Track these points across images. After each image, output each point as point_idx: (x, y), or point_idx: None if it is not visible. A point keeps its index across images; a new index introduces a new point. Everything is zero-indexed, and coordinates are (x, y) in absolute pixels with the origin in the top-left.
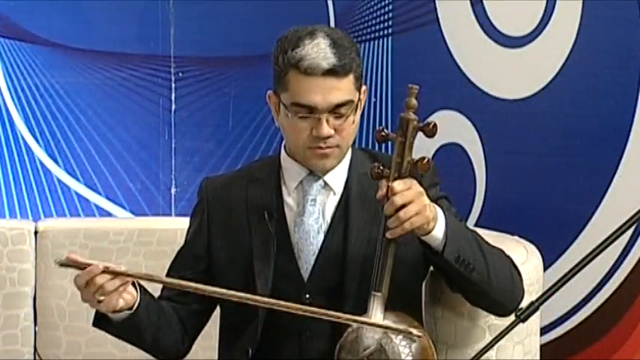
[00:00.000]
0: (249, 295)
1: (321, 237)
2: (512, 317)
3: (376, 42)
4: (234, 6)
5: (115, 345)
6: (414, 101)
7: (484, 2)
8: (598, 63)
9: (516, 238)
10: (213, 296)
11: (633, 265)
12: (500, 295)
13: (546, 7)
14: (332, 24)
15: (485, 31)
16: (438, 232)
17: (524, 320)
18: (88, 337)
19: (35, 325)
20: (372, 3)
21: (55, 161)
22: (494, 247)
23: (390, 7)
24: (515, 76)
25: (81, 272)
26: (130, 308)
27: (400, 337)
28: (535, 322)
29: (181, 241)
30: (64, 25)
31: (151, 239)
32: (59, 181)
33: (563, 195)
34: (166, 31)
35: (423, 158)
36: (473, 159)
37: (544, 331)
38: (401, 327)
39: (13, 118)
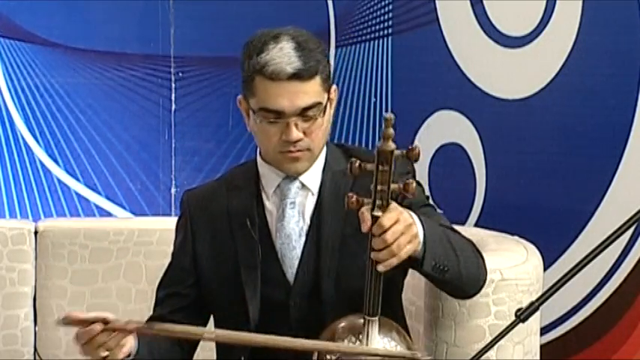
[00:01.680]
0: (243, 335)
1: (303, 239)
2: (512, 317)
3: (376, 42)
4: (234, 6)
5: None
6: (390, 130)
7: (484, 2)
8: (598, 63)
9: (516, 238)
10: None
11: (633, 265)
12: (469, 284)
13: (546, 7)
14: (332, 24)
15: (485, 31)
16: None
17: (524, 320)
18: None
19: (35, 325)
20: (372, 3)
21: (55, 161)
22: (460, 236)
23: (390, 7)
24: (515, 76)
25: (81, 331)
26: (129, 355)
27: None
28: (535, 322)
29: None
30: (64, 25)
31: (151, 239)
32: (59, 181)
33: (563, 195)
34: (166, 31)
35: (408, 182)
36: (473, 159)
37: (544, 331)
38: (405, 352)
39: (13, 118)
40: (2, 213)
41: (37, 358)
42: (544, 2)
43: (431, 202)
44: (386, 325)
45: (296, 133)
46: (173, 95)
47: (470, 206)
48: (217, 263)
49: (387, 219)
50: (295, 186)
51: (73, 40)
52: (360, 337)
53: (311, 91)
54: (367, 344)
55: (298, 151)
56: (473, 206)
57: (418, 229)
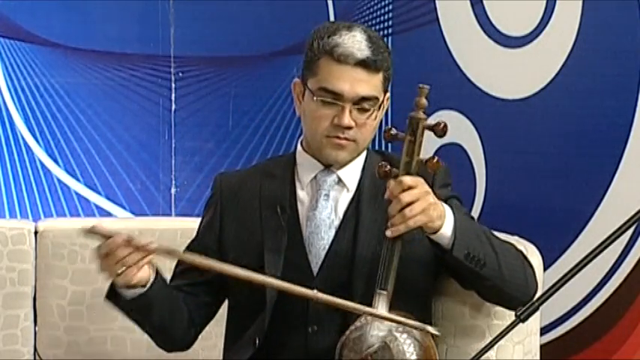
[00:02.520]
0: (267, 278)
1: (333, 232)
2: (512, 317)
3: None
4: (234, 6)
5: (115, 345)
6: (424, 100)
7: (484, 2)
8: (598, 63)
9: (516, 238)
10: (230, 277)
11: (633, 265)
12: (514, 289)
13: (546, 7)
14: None
15: (485, 31)
16: (447, 230)
17: (524, 320)
18: (88, 337)
19: (35, 325)
20: (372, 3)
21: (55, 161)
22: (505, 241)
23: (390, 7)
24: (515, 76)
25: (103, 242)
26: (144, 286)
27: (405, 335)
28: (535, 322)
29: (181, 241)
30: (64, 25)
31: (151, 239)
32: (59, 181)
33: (563, 195)
34: (166, 31)
35: (433, 157)
36: (473, 159)
37: (544, 331)
38: (416, 323)
39: (13, 118)
40: (2, 213)
41: (37, 358)
42: (544, 2)
43: (464, 209)
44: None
45: (348, 119)
46: (173, 95)
47: (470, 206)
48: (242, 246)
49: (407, 179)
50: (332, 179)
51: (73, 40)
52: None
53: (373, 84)
54: (372, 319)
55: (345, 139)
56: (473, 206)
57: (447, 214)
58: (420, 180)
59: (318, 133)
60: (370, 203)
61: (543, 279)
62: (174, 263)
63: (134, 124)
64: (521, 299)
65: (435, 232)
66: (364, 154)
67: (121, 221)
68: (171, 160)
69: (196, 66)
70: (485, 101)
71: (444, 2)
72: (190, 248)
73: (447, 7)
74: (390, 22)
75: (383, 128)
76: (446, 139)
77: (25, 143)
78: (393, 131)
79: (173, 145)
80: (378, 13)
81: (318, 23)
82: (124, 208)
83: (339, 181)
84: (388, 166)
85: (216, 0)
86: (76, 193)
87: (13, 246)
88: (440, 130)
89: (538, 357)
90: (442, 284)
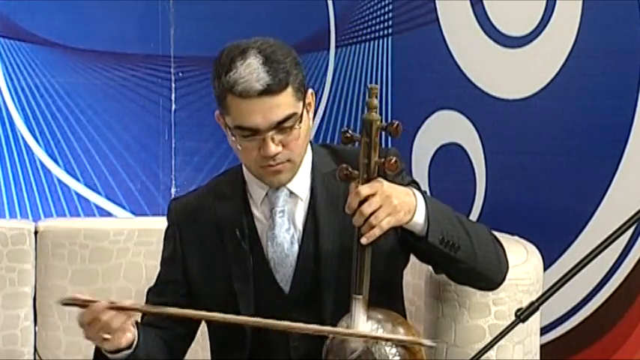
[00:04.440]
0: (244, 318)
1: (296, 247)
2: (512, 317)
3: (376, 42)
4: (234, 6)
5: None
6: (375, 101)
7: (484, 2)
8: (598, 63)
9: (516, 238)
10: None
11: (633, 265)
12: (487, 268)
13: (546, 7)
14: (332, 24)
15: (485, 31)
16: (419, 217)
17: (524, 320)
18: None
19: (35, 325)
20: (372, 3)
21: (55, 161)
22: (475, 223)
23: (390, 7)
24: (515, 76)
25: (85, 310)
26: (130, 346)
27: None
28: (535, 322)
29: None
30: (64, 25)
31: (151, 239)
32: (59, 181)
33: (563, 195)
34: (166, 31)
35: (390, 158)
36: (473, 159)
37: (544, 331)
38: (409, 338)
39: (13, 118)
40: (2, 213)
41: (37, 358)
42: (544, 2)
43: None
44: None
45: (273, 148)
46: (173, 95)
47: (470, 206)
48: (209, 275)
49: (363, 188)
50: (283, 194)
51: (73, 40)
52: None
53: (284, 104)
54: (353, 323)
55: (278, 164)
56: (473, 206)
57: (418, 203)
58: (378, 184)
59: (251, 165)
60: (326, 207)
61: (543, 279)
62: None
63: (134, 124)
64: (494, 279)
65: (407, 222)
66: (309, 154)
67: (121, 221)
68: (171, 160)
69: (196, 66)
70: (485, 101)
71: (444, 2)
72: (158, 281)
73: (447, 7)
74: (390, 22)
75: (338, 128)
76: (446, 139)
77: (25, 143)
78: (349, 133)
79: (173, 145)
80: (378, 13)
81: (318, 23)
82: (124, 208)
83: (291, 193)
84: (348, 169)
85: (216, 0)
86: (76, 193)
87: (13, 246)
88: (394, 130)
89: (538, 357)
90: (442, 283)
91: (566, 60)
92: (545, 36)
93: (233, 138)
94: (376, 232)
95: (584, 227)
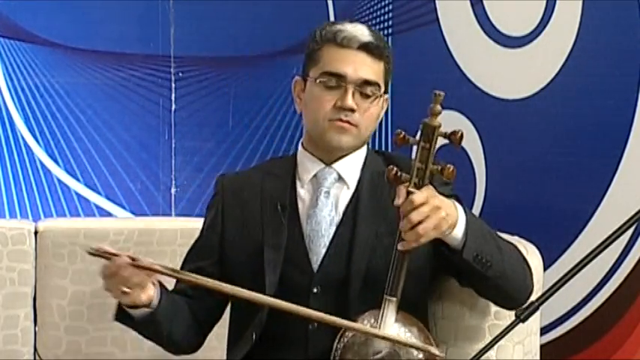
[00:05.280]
0: (263, 297)
1: (333, 229)
2: (512, 317)
3: None
4: (234, 6)
5: (115, 345)
6: (438, 107)
7: (484, 2)
8: (598, 63)
9: (516, 238)
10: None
11: (633, 265)
12: (514, 289)
13: (546, 7)
14: None
15: (485, 31)
16: (458, 232)
17: (524, 320)
18: (88, 337)
19: (35, 325)
20: (372, 3)
21: (55, 161)
22: (507, 241)
23: (390, 7)
24: (515, 76)
25: (108, 263)
26: (149, 304)
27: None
28: (535, 322)
29: (181, 241)
30: (64, 25)
31: (151, 239)
32: (59, 181)
33: (563, 195)
34: (166, 31)
35: (449, 167)
36: (473, 159)
37: (544, 331)
38: (418, 344)
39: (13, 118)
40: (2, 213)
41: (37, 358)
42: (544, 2)
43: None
44: (407, 319)
45: (351, 101)
46: (173, 95)
47: (470, 206)
48: (243, 245)
49: (417, 196)
50: (332, 176)
51: (73, 40)
52: (377, 317)
53: (375, 70)
54: (382, 323)
55: (348, 122)
56: (473, 206)
57: (459, 217)
58: (430, 193)
59: (320, 117)
60: (369, 200)
61: (543, 279)
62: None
63: (134, 124)
64: (518, 300)
65: (447, 235)
66: (364, 151)
67: (121, 221)
68: (171, 160)
69: (196, 66)
70: (485, 101)
71: (444, 2)
72: (195, 246)
73: (447, 7)
74: (390, 22)
75: (386, 130)
76: (446, 139)
77: (25, 143)
78: (405, 136)
79: (173, 145)
80: (378, 13)
81: (318, 23)
82: (124, 208)
83: (340, 178)
84: (398, 172)
85: (216, 0)
86: (76, 193)
87: (13, 246)
88: (456, 139)
89: (538, 357)
90: (441, 285)
91: (566, 60)
92: (545, 36)
93: (314, 87)
94: (420, 241)
95: (584, 227)
